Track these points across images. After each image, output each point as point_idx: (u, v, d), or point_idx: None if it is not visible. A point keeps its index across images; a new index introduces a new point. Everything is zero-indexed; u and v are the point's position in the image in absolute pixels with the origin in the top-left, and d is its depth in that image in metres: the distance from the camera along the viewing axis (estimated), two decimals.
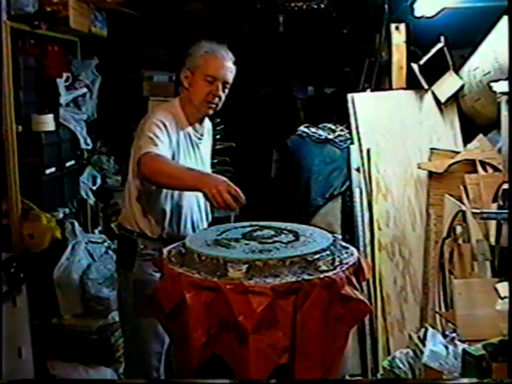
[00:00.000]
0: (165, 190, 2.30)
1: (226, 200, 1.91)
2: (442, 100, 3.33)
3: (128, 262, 2.34)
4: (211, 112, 2.38)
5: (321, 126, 3.62)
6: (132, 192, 2.35)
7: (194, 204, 2.41)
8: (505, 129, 2.55)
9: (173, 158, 2.24)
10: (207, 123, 2.53)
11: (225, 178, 2.00)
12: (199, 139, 2.42)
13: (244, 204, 1.96)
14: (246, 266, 1.84)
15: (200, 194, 2.28)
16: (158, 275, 2.20)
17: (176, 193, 2.32)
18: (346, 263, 1.95)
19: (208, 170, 2.51)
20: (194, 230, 2.40)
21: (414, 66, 3.41)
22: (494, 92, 2.56)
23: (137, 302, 2.28)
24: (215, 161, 3.99)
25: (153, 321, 2.12)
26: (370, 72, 3.72)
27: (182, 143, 2.32)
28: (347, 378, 2.37)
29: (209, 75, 2.29)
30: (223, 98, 2.35)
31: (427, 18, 3.17)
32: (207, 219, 2.52)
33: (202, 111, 2.36)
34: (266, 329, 1.79)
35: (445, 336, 2.40)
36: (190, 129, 2.37)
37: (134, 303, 2.30)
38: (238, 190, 1.96)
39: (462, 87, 3.22)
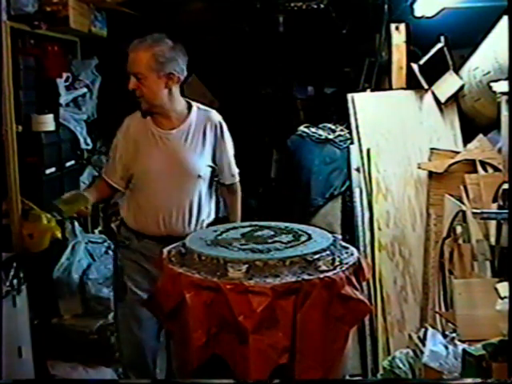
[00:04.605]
0: (136, 189, 2.46)
1: None
2: (442, 100, 3.33)
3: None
4: (144, 105, 2.40)
5: (321, 126, 3.62)
6: None
7: (169, 203, 2.40)
8: (505, 129, 2.55)
9: (135, 152, 2.41)
10: (201, 118, 2.46)
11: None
12: (168, 134, 2.41)
13: None
14: (246, 266, 1.84)
15: (194, 194, 2.42)
16: (129, 262, 2.45)
17: (150, 192, 2.41)
18: (346, 263, 1.95)
19: (188, 163, 2.41)
20: (165, 226, 2.41)
21: (414, 66, 3.41)
22: (494, 92, 2.56)
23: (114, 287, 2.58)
24: None
25: (126, 307, 2.43)
26: (370, 72, 3.72)
27: (143, 139, 2.41)
28: (347, 378, 2.37)
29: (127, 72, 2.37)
30: (144, 89, 2.34)
31: (427, 17, 3.17)
32: (197, 219, 2.46)
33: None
34: (266, 329, 1.79)
35: (445, 336, 2.40)
36: (152, 125, 2.42)
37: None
38: None
39: (462, 87, 3.22)
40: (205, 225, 2.48)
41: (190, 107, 2.47)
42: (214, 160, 2.48)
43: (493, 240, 2.51)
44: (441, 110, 3.38)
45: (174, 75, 2.34)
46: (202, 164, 2.44)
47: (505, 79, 2.48)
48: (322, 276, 1.84)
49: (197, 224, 2.45)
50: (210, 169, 2.47)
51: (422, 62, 3.38)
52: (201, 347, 1.83)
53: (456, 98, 3.32)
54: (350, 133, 3.46)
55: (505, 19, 2.60)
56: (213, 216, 2.54)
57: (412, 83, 3.46)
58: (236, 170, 2.57)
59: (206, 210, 2.50)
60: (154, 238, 2.41)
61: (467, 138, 3.22)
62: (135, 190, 2.45)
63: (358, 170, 3.36)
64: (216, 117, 2.51)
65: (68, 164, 3.27)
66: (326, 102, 4.46)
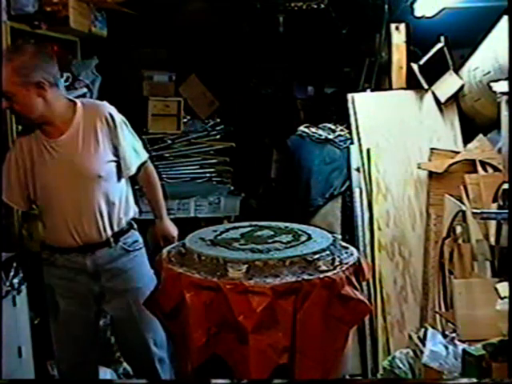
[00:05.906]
0: (44, 206, 2.34)
1: None
2: (442, 100, 3.33)
3: None
4: (25, 120, 2.30)
5: (321, 126, 3.62)
6: None
7: (76, 212, 2.29)
8: (505, 129, 2.55)
9: (32, 168, 2.28)
10: (89, 114, 2.30)
11: None
12: (58, 141, 2.27)
13: None
14: (246, 266, 1.84)
15: (99, 196, 2.29)
16: (57, 281, 2.36)
17: (55, 205, 2.29)
18: (346, 263, 1.95)
19: (84, 167, 2.27)
20: (79, 236, 2.30)
21: (414, 66, 3.41)
22: (494, 92, 2.56)
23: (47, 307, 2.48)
24: (215, 161, 3.99)
25: (61, 325, 2.41)
26: (370, 72, 3.72)
27: (37, 154, 2.27)
28: (347, 377, 2.37)
29: None
30: (17, 106, 2.19)
31: (427, 17, 3.18)
32: (111, 221, 2.33)
33: None
34: (266, 329, 1.79)
35: (445, 336, 2.40)
36: (42, 137, 2.28)
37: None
38: None
39: (462, 87, 3.22)
40: (124, 222, 2.36)
41: (74, 106, 2.30)
42: (116, 153, 2.32)
43: (493, 240, 2.51)
44: (441, 110, 3.38)
45: (44, 83, 2.18)
46: (101, 163, 2.28)
47: (505, 79, 2.48)
48: (321, 276, 1.84)
49: (112, 225, 2.33)
50: (113, 164, 2.32)
51: (422, 62, 3.38)
52: (201, 347, 1.83)
53: (456, 98, 3.32)
54: (350, 133, 3.46)
55: (505, 19, 2.60)
56: (135, 210, 2.44)
57: (412, 83, 3.46)
58: (135, 161, 2.39)
59: (122, 207, 2.36)
60: (75, 250, 2.30)
61: (467, 138, 3.22)
62: (44, 207, 2.34)
63: (358, 170, 3.36)
64: (105, 109, 2.32)
65: None
66: (325, 102, 4.46)
